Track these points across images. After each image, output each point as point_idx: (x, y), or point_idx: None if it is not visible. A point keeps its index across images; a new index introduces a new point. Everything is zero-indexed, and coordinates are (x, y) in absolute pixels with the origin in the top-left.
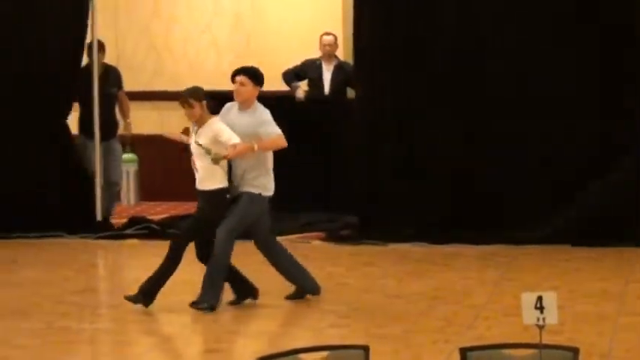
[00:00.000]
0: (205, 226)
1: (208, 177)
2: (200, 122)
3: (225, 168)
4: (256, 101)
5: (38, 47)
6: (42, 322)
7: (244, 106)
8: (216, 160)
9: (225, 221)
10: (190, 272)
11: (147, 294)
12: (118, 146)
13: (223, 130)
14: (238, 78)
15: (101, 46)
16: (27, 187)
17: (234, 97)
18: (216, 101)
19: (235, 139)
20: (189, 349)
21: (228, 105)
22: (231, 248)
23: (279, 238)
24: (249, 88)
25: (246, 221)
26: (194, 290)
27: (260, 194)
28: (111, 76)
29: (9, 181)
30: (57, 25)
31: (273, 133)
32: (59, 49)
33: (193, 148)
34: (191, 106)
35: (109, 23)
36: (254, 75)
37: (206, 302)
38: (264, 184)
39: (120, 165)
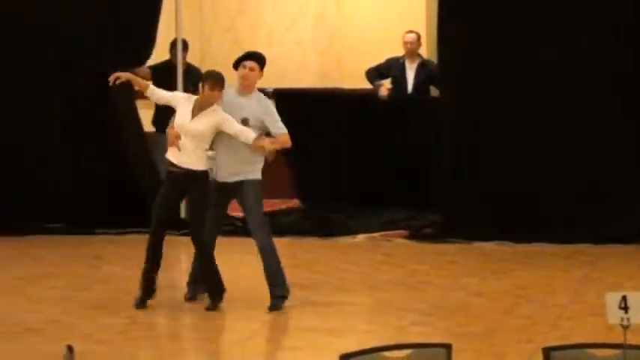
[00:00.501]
0: (206, 205)
1: (198, 159)
2: (205, 106)
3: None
4: (255, 88)
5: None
6: (125, 317)
7: (246, 90)
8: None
9: (252, 217)
10: None
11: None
12: None
13: (231, 121)
14: (248, 63)
15: (185, 46)
16: (110, 184)
17: (241, 81)
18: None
19: (251, 133)
20: (270, 346)
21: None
22: (271, 237)
23: (362, 236)
24: (256, 73)
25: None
26: None
27: (259, 180)
28: (191, 75)
29: (90, 178)
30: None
31: (282, 130)
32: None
33: (190, 128)
34: (220, 91)
35: (194, 21)
36: (262, 61)
37: (279, 294)
38: (259, 171)
39: None
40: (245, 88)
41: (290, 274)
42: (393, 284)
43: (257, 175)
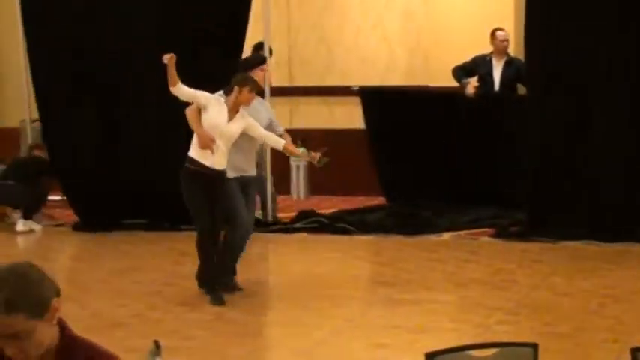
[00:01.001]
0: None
1: (226, 160)
2: (238, 108)
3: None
4: None
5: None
6: (210, 313)
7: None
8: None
9: (251, 210)
10: (358, 267)
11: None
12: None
13: (257, 125)
14: (266, 66)
15: (270, 51)
16: None
17: (261, 83)
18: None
19: (278, 138)
20: (355, 344)
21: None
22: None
23: (448, 234)
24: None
25: None
26: (359, 285)
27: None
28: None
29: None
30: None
31: (283, 130)
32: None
33: (226, 131)
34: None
35: (282, 17)
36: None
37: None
38: None
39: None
40: (259, 93)
41: (375, 272)
42: (479, 282)
43: (255, 171)
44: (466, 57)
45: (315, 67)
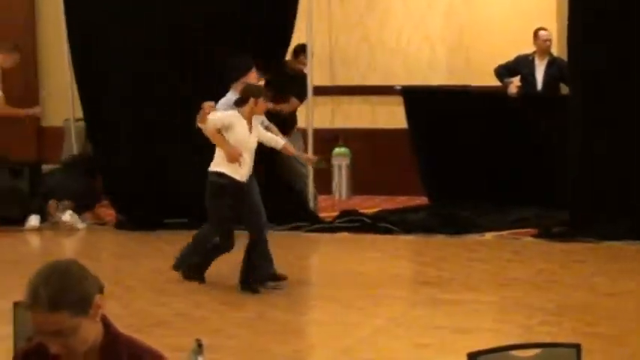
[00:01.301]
0: None
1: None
2: (251, 120)
3: None
4: None
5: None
6: (253, 312)
7: None
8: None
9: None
10: (399, 267)
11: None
12: (298, 142)
13: (261, 129)
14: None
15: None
16: None
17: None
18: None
19: (278, 139)
20: (397, 343)
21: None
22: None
23: (490, 234)
24: None
25: None
26: (401, 284)
27: None
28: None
29: None
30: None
31: (273, 126)
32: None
33: (250, 142)
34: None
35: (323, 16)
36: None
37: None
38: None
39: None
40: None
41: (418, 272)
42: (521, 283)
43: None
44: (508, 56)
45: (357, 67)
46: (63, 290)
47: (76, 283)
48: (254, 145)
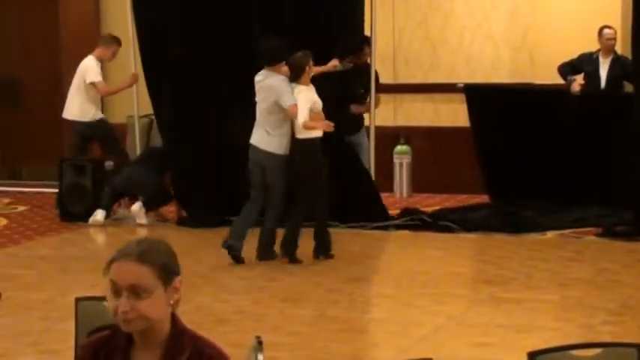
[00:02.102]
0: None
1: None
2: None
3: None
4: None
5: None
6: (314, 309)
7: None
8: None
9: None
10: (460, 265)
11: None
12: (364, 140)
13: None
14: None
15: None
16: None
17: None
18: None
19: None
20: (457, 342)
21: None
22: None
23: (551, 233)
24: None
25: None
26: (462, 283)
27: None
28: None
29: None
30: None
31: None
32: None
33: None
34: None
35: (387, 15)
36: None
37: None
38: None
39: (366, 157)
40: None
41: (479, 270)
42: (583, 282)
43: None
44: (572, 55)
45: (419, 66)
46: (153, 250)
47: (165, 252)
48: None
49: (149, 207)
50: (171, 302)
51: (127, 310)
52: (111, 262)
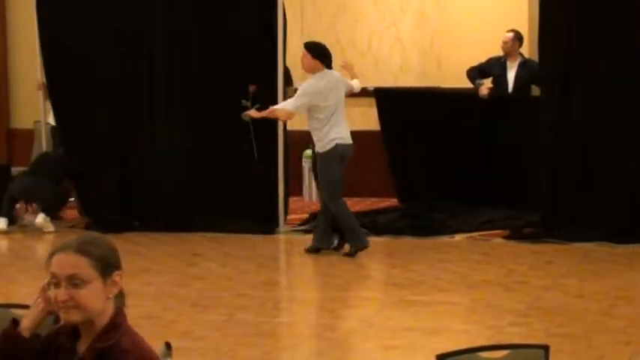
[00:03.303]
0: None
1: None
2: None
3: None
4: (316, 73)
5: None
6: (223, 314)
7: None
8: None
9: None
10: (370, 269)
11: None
12: None
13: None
14: (302, 51)
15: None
16: (212, 183)
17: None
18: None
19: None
20: (367, 345)
21: None
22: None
23: (460, 235)
24: (307, 60)
25: None
26: (371, 286)
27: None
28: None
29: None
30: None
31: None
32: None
33: None
34: None
35: (295, 18)
36: (313, 48)
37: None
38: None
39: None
40: (306, 72)
41: (389, 273)
42: (491, 284)
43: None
44: (479, 59)
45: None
46: (93, 243)
47: (105, 245)
48: None
49: (49, 213)
50: (110, 296)
51: (65, 299)
52: (52, 254)
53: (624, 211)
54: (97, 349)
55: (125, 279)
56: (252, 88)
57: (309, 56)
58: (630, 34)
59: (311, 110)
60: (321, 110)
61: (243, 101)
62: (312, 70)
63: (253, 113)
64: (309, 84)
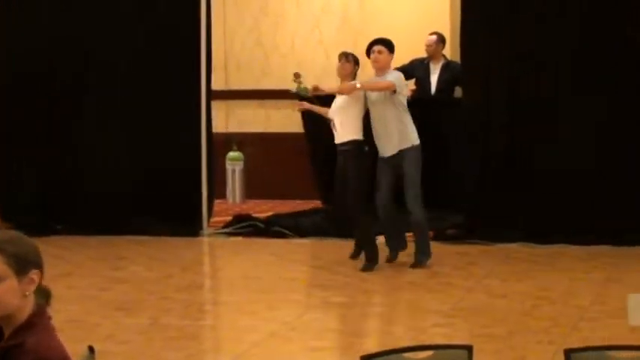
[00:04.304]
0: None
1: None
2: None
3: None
4: (391, 67)
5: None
6: (146, 318)
7: (380, 72)
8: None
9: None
10: (294, 270)
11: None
12: None
13: None
14: (376, 47)
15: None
16: (135, 184)
17: (372, 65)
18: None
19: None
20: (291, 347)
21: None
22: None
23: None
24: (384, 56)
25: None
26: (295, 288)
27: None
28: None
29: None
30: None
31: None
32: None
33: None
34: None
35: (218, 20)
36: (389, 44)
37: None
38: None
39: None
40: (378, 71)
41: (313, 275)
42: (415, 285)
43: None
44: (403, 61)
45: (251, 72)
46: (9, 241)
47: (23, 244)
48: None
49: None
50: (27, 293)
51: None
52: None
53: (545, 211)
54: (1, 347)
55: (48, 283)
56: (297, 74)
57: (386, 52)
58: (553, 34)
59: (397, 104)
60: (403, 103)
61: (297, 82)
62: (389, 66)
63: (324, 86)
64: (399, 77)
